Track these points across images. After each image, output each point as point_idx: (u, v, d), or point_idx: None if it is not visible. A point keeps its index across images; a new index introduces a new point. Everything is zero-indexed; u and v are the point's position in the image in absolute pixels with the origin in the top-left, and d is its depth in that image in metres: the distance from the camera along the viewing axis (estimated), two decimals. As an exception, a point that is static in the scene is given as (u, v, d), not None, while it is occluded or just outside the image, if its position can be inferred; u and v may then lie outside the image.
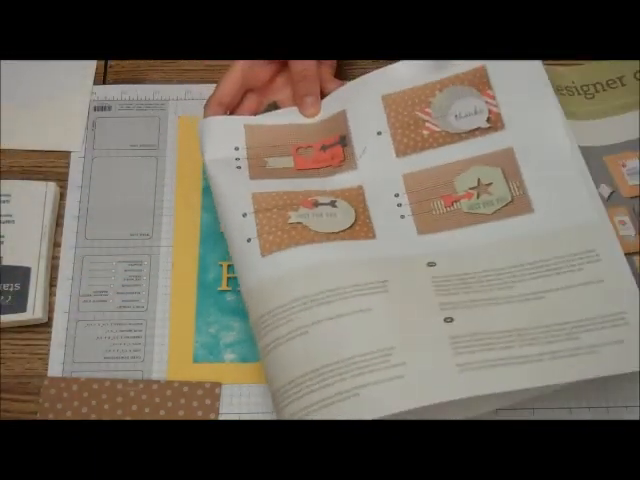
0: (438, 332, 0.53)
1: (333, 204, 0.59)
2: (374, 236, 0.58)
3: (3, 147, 0.69)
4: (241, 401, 0.60)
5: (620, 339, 0.52)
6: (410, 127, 0.62)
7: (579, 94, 0.66)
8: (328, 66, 0.68)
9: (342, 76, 0.72)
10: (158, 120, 0.71)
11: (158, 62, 0.73)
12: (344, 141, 0.62)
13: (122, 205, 0.67)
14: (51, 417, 0.60)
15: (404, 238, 0.58)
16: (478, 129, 0.61)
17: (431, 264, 0.57)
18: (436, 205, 0.59)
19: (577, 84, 0.66)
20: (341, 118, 0.63)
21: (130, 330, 0.63)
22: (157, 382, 0.61)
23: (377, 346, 0.52)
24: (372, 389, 0.50)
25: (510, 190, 0.58)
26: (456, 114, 0.61)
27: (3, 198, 0.66)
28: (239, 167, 0.61)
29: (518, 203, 0.58)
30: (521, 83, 0.61)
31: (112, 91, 0.72)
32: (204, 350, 0.63)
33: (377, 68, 0.72)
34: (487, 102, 0.61)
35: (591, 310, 0.53)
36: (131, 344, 0.63)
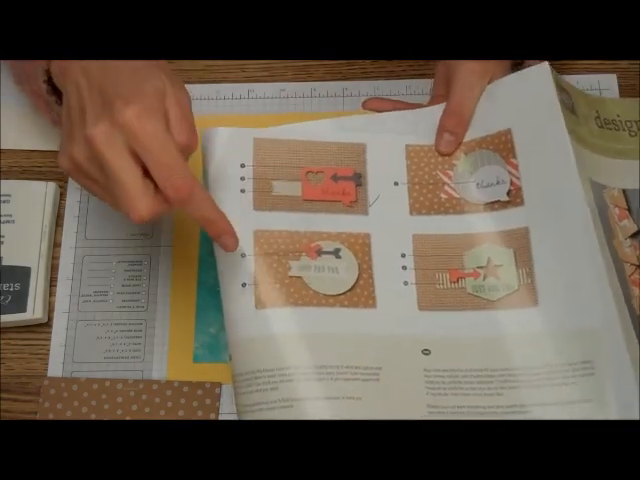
0: None
1: (337, 254, 0.57)
2: (374, 304, 0.56)
3: (3, 147, 0.69)
4: (241, 401, 0.60)
5: None
6: (429, 186, 0.60)
7: (623, 130, 0.64)
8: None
9: (342, 76, 0.72)
10: (158, 120, 0.71)
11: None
12: (359, 180, 0.59)
13: (122, 205, 0.67)
14: (51, 417, 0.60)
15: (404, 312, 0.56)
16: (497, 202, 0.58)
17: (426, 352, 0.55)
18: (441, 278, 0.57)
19: (622, 118, 0.64)
20: (360, 152, 0.60)
21: (130, 330, 0.63)
22: (157, 382, 0.61)
23: None
24: None
25: (518, 276, 0.56)
26: (478, 182, 0.59)
27: (3, 198, 0.66)
28: (243, 190, 0.58)
29: (523, 293, 0.56)
30: (545, 155, 0.57)
31: (112, 91, 0.72)
32: (204, 350, 0.63)
33: (377, 69, 0.72)
34: (510, 172, 0.58)
35: None
36: (131, 344, 0.63)
